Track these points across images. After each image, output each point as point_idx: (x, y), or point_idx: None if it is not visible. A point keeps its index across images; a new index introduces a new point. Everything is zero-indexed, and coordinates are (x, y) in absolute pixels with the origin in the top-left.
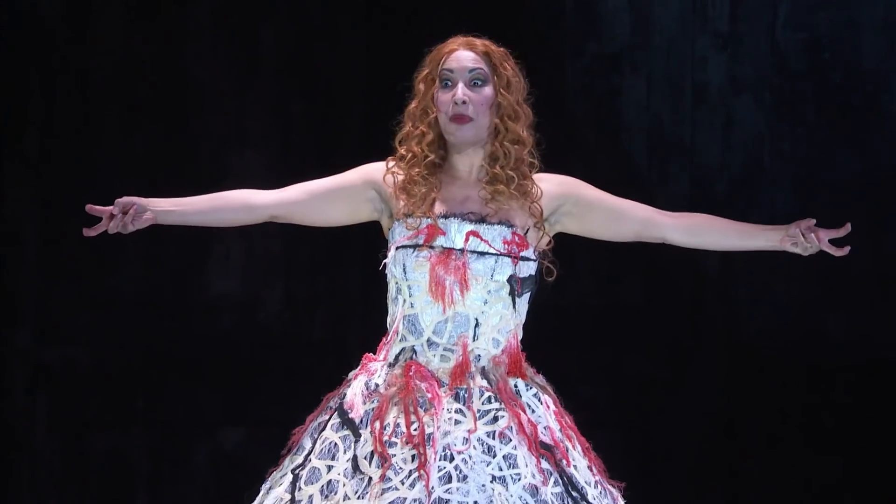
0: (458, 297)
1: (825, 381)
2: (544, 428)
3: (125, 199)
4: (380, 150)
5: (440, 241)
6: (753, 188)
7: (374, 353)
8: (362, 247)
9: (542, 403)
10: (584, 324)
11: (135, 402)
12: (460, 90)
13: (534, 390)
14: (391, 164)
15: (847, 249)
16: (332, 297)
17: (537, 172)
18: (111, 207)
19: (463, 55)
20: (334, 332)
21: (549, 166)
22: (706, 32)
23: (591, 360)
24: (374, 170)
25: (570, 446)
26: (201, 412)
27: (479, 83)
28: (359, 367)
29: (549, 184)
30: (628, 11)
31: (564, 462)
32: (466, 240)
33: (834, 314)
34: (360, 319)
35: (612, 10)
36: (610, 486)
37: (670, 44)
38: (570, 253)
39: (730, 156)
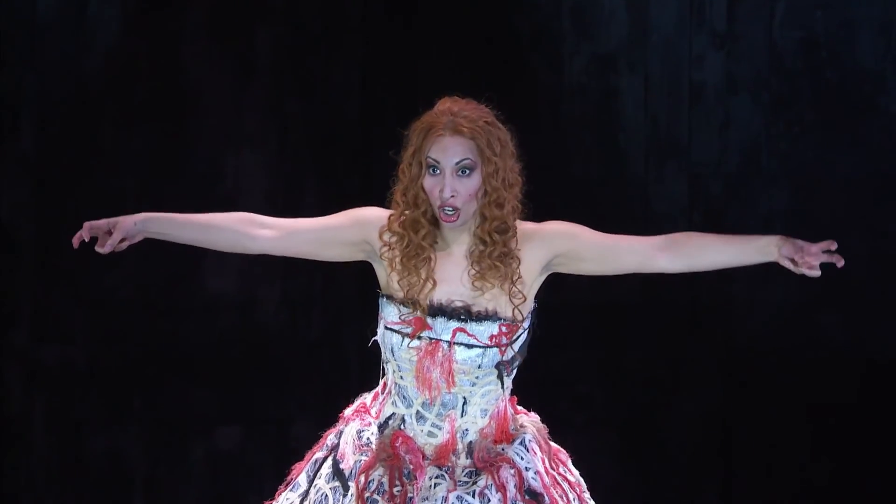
0: (444, 389)
1: (823, 382)
2: (534, 473)
3: (122, 230)
4: (374, 151)
5: (427, 334)
6: (750, 187)
7: (369, 393)
8: None
9: (528, 450)
10: (582, 323)
11: (131, 401)
12: (447, 186)
13: (519, 439)
14: (390, 220)
15: (842, 261)
16: (329, 297)
17: (525, 221)
18: (111, 228)
19: (449, 144)
20: (331, 332)
21: (546, 168)
22: (703, 31)
23: (589, 359)
24: (371, 221)
25: (556, 494)
26: (198, 411)
27: (466, 172)
28: (353, 410)
29: (536, 241)
30: (625, 11)
31: None
32: (453, 336)
33: (832, 314)
34: (357, 319)
35: (609, 10)
36: None
37: (667, 43)
38: None
39: (727, 155)
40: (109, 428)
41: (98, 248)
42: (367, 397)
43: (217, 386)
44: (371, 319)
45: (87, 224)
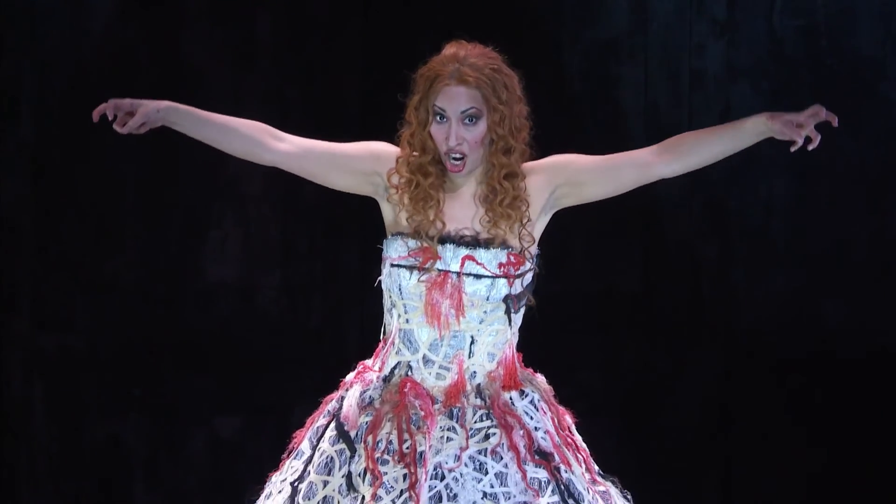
0: (454, 320)
1: (824, 370)
2: (544, 433)
3: (143, 115)
4: (376, 137)
5: (436, 265)
6: (751, 175)
7: (370, 359)
8: (360, 233)
9: (538, 410)
10: (582, 311)
11: (132, 389)
12: (453, 134)
13: (529, 397)
14: (398, 163)
15: (834, 119)
16: (330, 284)
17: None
18: (134, 111)
19: (455, 92)
20: (332, 319)
21: (546, 154)
22: (703, 19)
23: (590, 348)
24: (383, 158)
25: (567, 452)
26: (198, 399)
27: (472, 120)
28: (354, 374)
29: (535, 177)
30: None
31: (564, 467)
32: (462, 264)
33: (833, 301)
34: (358, 306)
35: None
36: (602, 487)
37: (668, 30)
38: (568, 240)
39: None
40: (109, 415)
41: (116, 127)
42: (366, 361)
43: (217, 373)
44: (371, 307)
45: (111, 101)
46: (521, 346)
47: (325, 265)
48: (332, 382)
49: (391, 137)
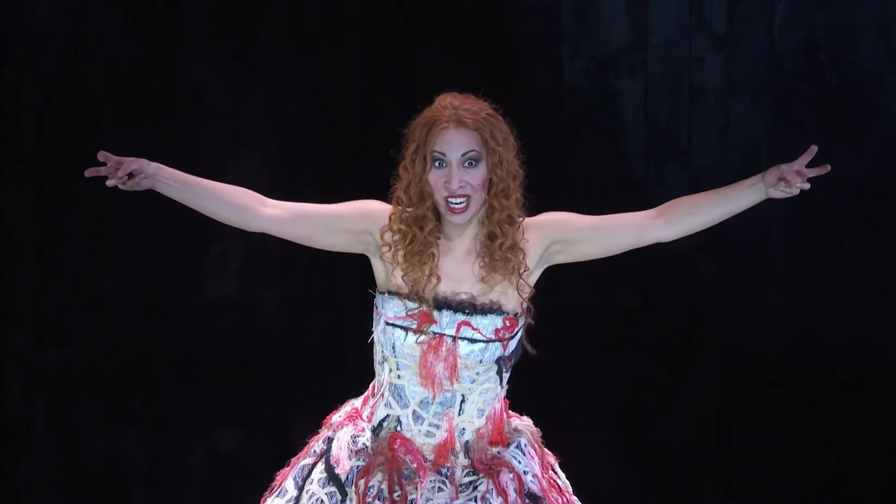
0: (447, 382)
1: (822, 383)
2: (532, 476)
3: (137, 164)
4: (374, 153)
5: (431, 328)
6: None
7: (358, 399)
8: None
9: (525, 454)
10: (581, 326)
11: (132, 404)
12: (455, 178)
13: (515, 443)
14: (391, 220)
15: (828, 167)
16: (330, 299)
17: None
18: (123, 162)
19: (454, 136)
20: (332, 334)
21: (547, 169)
22: (703, 33)
23: (589, 362)
24: (375, 216)
25: (554, 496)
26: (198, 413)
27: (473, 164)
28: (343, 417)
29: (531, 233)
30: (625, 13)
31: None
32: (458, 329)
33: (831, 315)
34: (358, 321)
35: (610, 12)
36: None
37: (668, 45)
38: None
39: (727, 157)
40: (109, 430)
41: (108, 182)
42: (356, 402)
43: (217, 388)
44: (370, 322)
45: (101, 153)
46: (519, 362)
47: (324, 280)
48: (331, 397)
49: (391, 147)
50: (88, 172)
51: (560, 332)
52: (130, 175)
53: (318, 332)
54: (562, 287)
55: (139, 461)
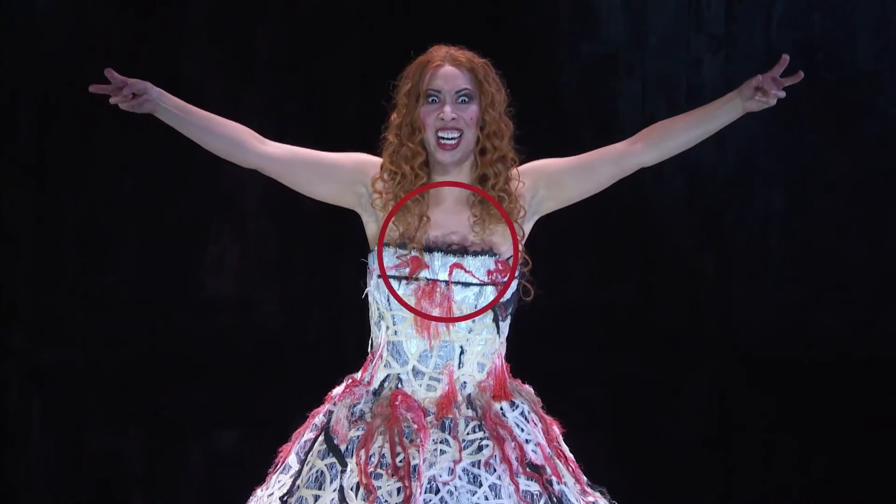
0: (444, 330)
1: (822, 382)
2: (535, 445)
3: (141, 85)
4: (374, 151)
5: (424, 274)
6: (748, 189)
7: (358, 372)
8: (357, 247)
9: (528, 421)
10: (580, 324)
11: (130, 403)
12: (448, 110)
13: (519, 409)
14: (382, 167)
15: (801, 73)
16: (328, 298)
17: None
18: (128, 82)
19: (448, 72)
20: (330, 333)
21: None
22: (701, 33)
23: (588, 361)
24: (368, 167)
25: (559, 463)
26: (197, 413)
27: (466, 101)
28: (342, 389)
29: (517, 182)
30: (623, 12)
31: (555, 479)
32: (450, 272)
33: (830, 314)
34: (356, 320)
35: (607, 11)
36: (592, 498)
37: (665, 45)
38: (566, 253)
39: (725, 156)
40: (108, 429)
41: (111, 100)
42: (355, 375)
43: (215, 387)
44: (368, 321)
45: (108, 70)
46: (519, 360)
47: (323, 279)
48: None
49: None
50: (93, 88)
51: (559, 330)
52: (134, 96)
53: (316, 332)
54: (562, 286)
55: (137, 460)
